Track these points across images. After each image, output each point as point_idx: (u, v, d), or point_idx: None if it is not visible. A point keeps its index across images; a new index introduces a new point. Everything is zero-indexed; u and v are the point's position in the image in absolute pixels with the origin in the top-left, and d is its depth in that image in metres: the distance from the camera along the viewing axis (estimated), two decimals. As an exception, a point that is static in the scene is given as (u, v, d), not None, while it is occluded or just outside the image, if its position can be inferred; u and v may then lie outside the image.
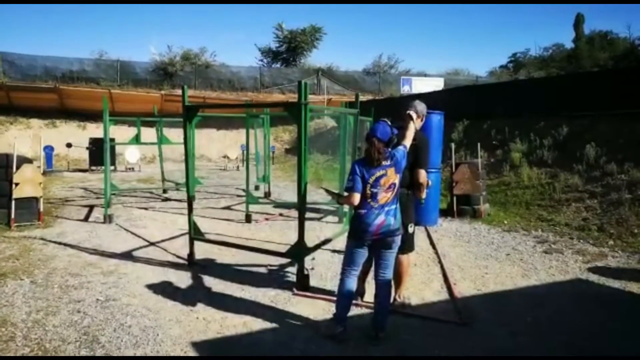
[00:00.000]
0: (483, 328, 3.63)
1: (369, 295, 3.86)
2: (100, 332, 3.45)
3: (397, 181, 3.34)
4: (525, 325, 3.69)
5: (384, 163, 3.28)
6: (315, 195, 9.91)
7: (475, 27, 63.94)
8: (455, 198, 7.85)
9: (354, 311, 3.93)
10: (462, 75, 30.21)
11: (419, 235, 6.71)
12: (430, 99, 14.65)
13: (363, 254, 3.45)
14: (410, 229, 3.96)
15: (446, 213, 7.96)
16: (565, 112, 10.05)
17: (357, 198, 3.29)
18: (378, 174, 3.27)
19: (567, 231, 6.71)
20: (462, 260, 5.50)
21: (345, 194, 3.40)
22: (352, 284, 3.52)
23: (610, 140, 8.60)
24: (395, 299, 3.95)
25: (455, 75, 29.60)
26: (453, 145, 8.51)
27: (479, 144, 8.60)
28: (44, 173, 11.30)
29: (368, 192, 3.28)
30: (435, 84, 25.10)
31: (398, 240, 3.41)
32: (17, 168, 6.72)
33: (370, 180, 3.27)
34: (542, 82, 12.65)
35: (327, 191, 3.88)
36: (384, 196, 3.30)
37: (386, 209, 3.31)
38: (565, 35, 63.18)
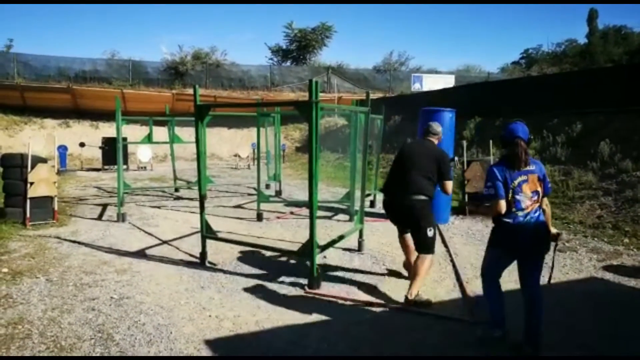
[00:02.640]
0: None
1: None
2: (114, 330, 3.49)
3: (540, 189, 3.15)
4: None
5: (527, 168, 3.13)
6: (326, 194, 9.92)
7: (486, 23, 63.33)
8: (467, 196, 7.80)
9: (366, 310, 3.94)
10: (474, 72, 29.98)
11: (431, 233, 6.69)
12: (441, 97, 14.63)
13: (507, 262, 3.32)
14: (430, 232, 4.18)
15: (458, 211, 7.91)
16: (579, 109, 9.92)
17: (503, 205, 3.10)
18: (520, 179, 3.11)
19: (581, 229, 6.64)
20: (475, 258, 5.46)
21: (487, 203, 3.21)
22: (498, 289, 3.39)
23: (625, 136, 8.47)
24: (407, 297, 4.00)
25: (466, 72, 29.38)
26: (465, 143, 8.46)
27: (491, 142, 8.53)
28: (58, 172, 11.44)
29: (511, 199, 3.09)
30: (446, 81, 24.91)
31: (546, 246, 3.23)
32: (32, 168, 6.81)
33: (513, 186, 3.10)
34: (555, 79, 12.51)
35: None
36: (528, 205, 3.11)
37: (531, 215, 3.13)
38: (579, 30, 62.48)
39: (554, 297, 4.28)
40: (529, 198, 3.12)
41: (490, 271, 3.36)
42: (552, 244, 3.29)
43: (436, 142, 4.55)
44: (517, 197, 3.10)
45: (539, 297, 3.21)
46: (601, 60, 22.26)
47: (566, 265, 5.19)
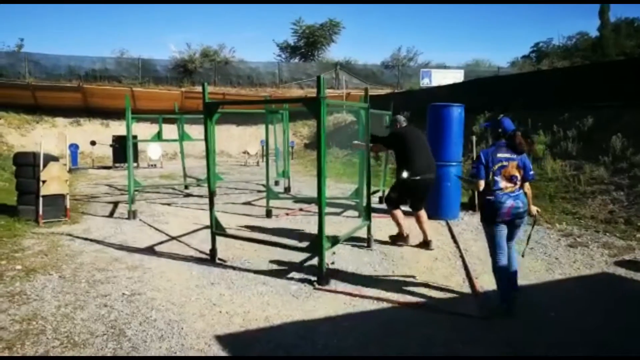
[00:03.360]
0: (506, 323, 3.59)
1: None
2: (126, 326, 3.54)
3: (519, 175, 3.77)
4: (548, 321, 3.64)
5: (508, 155, 3.76)
6: (335, 190, 9.93)
7: (496, 17, 62.76)
8: (476, 191, 7.75)
9: (374, 306, 3.95)
10: (483, 67, 29.74)
11: (440, 229, 6.68)
12: (450, 92, 14.54)
13: (504, 231, 3.80)
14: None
15: (467, 207, 7.87)
16: (590, 103, 9.80)
17: (481, 184, 3.78)
18: (499, 164, 3.73)
19: (592, 224, 6.58)
20: (484, 254, 5.40)
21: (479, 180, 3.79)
22: (506, 264, 3.81)
23: (638, 130, 8.35)
24: (430, 241, 5.56)
25: (475, 67, 29.15)
26: (474, 138, 8.40)
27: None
28: (70, 170, 11.57)
29: (491, 180, 3.73)
30: (455, 76, 24.76)
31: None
32: (44, 166, 6.89)
33: (493, 170, 3.72)
34: (566, 72, 12.36)
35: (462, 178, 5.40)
36: (506, 186, 3.73)
37: (509, 195, 3.69)
38: (590, 23, 61.62)
39: (566, 292, 4.27)
40: (507, 180, 3.72)
41: (498, 244, 3.78)
42: (531, 220, 4.00)
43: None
44: (496, 178, 3.72)
45: (514, 258, 3.90)
46: (613, 54, 21.97)
47: (577, 260, 5.15)
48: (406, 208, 5.79)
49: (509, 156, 3.75)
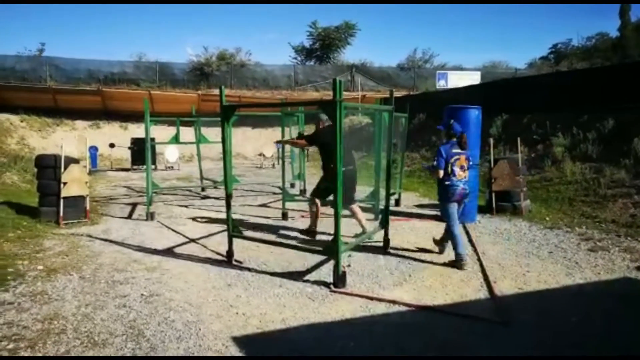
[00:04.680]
0: (525, 328, 3.55)
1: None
2: (145, 326, 3.58)
3: (466, 165, 5.07)
4: (570, 326, 3.58)
5: (459, 150, 5.04)
6: (351, 193, 9.90)
7: (513, 18, 62.07)
8: (494, 194, 7.68)
9: (391, 309, 3.94)
10: (500, 68, 29.40)
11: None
12: (467, 94, 14.42)
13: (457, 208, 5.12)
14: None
15: (485, 210, 7.79)
16: (611, 105, 9.63)
17: (440, 173, 4.98)
18: (454, 157, 4.97)
19: (613, 228, 6.46)
20: (502, 258, 5.38)
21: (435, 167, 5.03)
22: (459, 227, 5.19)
23: (660, 133, 8.20)
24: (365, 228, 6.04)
25: (492, 68, 28.84)
26: (492, 141, 8.32)
27: (519, 139, 8.36)
28: (90, 172, 11.77)
29: (450, 169, 4.95)
30: (472, 78, 24.54)
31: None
32: (65, 168, 7.02)
33: (451, 161, 4.96)
34: (586, 74, 12.16)
35: (427, 168, 5.72)
36: (459, 173, 5.00)
37: (460, 180, 4.99)
38: (610, 23, 60.57)
39: (587, 297, 4.19)
40: (460, 169, 5.00)
41: (453, 216, 5.06)
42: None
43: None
44: (453, 168, 4.96)
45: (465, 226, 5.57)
46: (635, 54, 21.52)
47: (598, 265, 5.06)
48: (427, 211, 5.75)
49: (460, 151, 5.02)
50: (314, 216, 6.31)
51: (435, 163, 4.99)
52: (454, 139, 5.09)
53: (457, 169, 4.94)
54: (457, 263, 4.97)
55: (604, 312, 3.85)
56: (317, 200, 6.17)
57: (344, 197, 5.58)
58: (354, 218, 6.19)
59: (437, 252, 5.56)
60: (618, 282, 4.61)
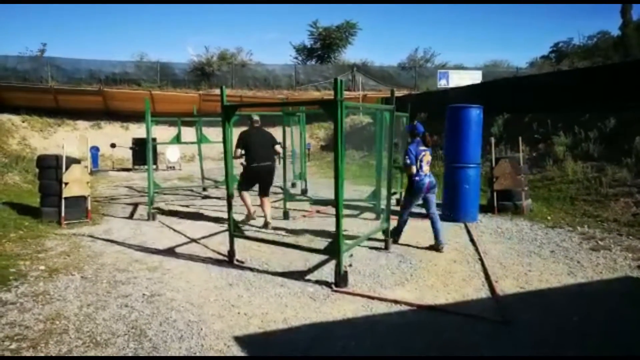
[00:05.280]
0: (527, 327, 3.54)
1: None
2: (147, 326, 3.58)
3: (430, 160, 5.72)
4: (572, 325, 3.57)
5: (425, 148, 5.61)
6: (352, 192, 9.90)
7: (514, 17, 61.98)
8: (495, 194, 7.67)
9: (392, 308, 3.94)
10: (501, 67, 29.38)
11: (458, 232, 6.62)
12: (468, 93, 14.41)
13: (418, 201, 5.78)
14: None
15: (486, 209, 7.78)
16: (613, 104, 9.61)
17: (413, 169, 5.50)
18: (422, 154, 5.55)
19: (615, 227, 6.45)
20: (504, 257, 5.38)
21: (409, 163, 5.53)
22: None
23: (662, 131, 8.18)
24: (269, 223, 6.86)
25: (494, 68, 28.83)
26: (493, 140, 8.31)
27: (520, 138, 8.35)
28: (91, 173, 11.78)
29: (418, 165, 5.51)
30: (473, 77, 24.54)
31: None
32: (66, 168, 7.03)
33: (419, 158, 5.52)
34: (587, 73, 12.15)
35: (398, 167, 6.13)
36: (426, 169, 5.58)
37: (427, 175, 5.57)
38: (612, 22, 60.49)
39: (589, 296, 4.19)
40: (426, 164, 5.58)
41: (411, 207, 5.84)
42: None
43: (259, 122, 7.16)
44: (422, 164, 5.53)
45: (435, 215, 5.67)
46: (636, 53, 21.46)
47: (600, 264, 5.05)
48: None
49: (425, 149, 5.60)
50: (246, 203, 7.16)
51: (407, 161, 5.48)
52: (418, 138, 5.65)
53: (424, 165, 5.55)
54: (394, 239, 5.82)
55: (606, 311, 3.85)
56: (244, 192, 7.10)
57: (260, 188, 7.04)
58: (261, 207, 7.05)
59: (436, 249, 5.62)
60: (620, 281, 4.60)
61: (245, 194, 7.10)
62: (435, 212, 5.72)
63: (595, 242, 5.87)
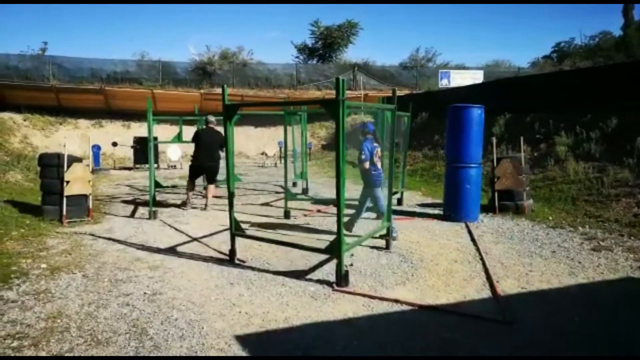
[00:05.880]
0: (528, 327, 3.54)
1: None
2: (148, 325, 3.59)
3: (381, 156, 6.14)
4: (573, 325, 3.57)
5: (376, 145, 6.04)
6: (353, 192, 9.90)
7: (516, 17, 61.89)
8: (496, 194, 7.66)
9: (393, 308, 3.94)
10: (503, 67, 29.38)
11: (459, 231, 6.62)
12: (470, 93, 14.39)
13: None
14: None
15: (487, 209, 7.78)
16: (615, 104, 9.59)
17: (368, 164, 5.86)
18: (376, 150, 5.94)
19: (616, 228, 6.44)
20: (505, 257, 5.38)
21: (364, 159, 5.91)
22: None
23: (664, 132, 8.16)
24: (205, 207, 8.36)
25: (495, 67, 28.84)
26: (494, 140, 8.30)
27: (521, 138, 8.35)
28: (92, 171, 11.79)
29: (373, 160, 5.90)
30: (474, 77, 24.53)
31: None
32: (68, 167, 7.03)
33: (373, 154, 5.89)
34: (589, 73, 12.14)
35: (354, 164, 6.11)
36: (378, 164, 6.01)
37: (379, 169, 6.01)
38: (614, 22, 60.31)
39: (590, 296, 4.19)
40: (378, 159, 5.98)
41: (365, 201, 6.21)
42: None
43: (215, 125, 8.43)
44: (375, 159, 5.91)
45: (383, 209, 5.92)
46: (638, 53, 21.44)
47: (601, 264, 5.04)
48: (429, 210, 5.76)
49: (376, 145, 6.00)
50: (188, 192, 8.62)
51: (363, 157, 5.86)
52: (370, 136, 6.03)
53: (377, 160, 5.96)
54: (347, 228, 5.97)
55: (607, 312, 3.84)
56: (189, 181, 8.57)
57: (206, 178, 8.60)
58: (205, 192, 8.66)
59: (389, 240, 5.77)
60: (621, 281, 4.60)
61: (190, 183, 8.57)
62: (384, 207, 5.91)
63: (596, 242, 5.86)
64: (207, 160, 8.29)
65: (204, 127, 8.56)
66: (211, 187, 8.51)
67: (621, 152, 8.42)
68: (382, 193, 6.06)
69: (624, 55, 22.00)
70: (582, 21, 59.05)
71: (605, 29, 29.52)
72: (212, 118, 8.48)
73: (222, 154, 7.57)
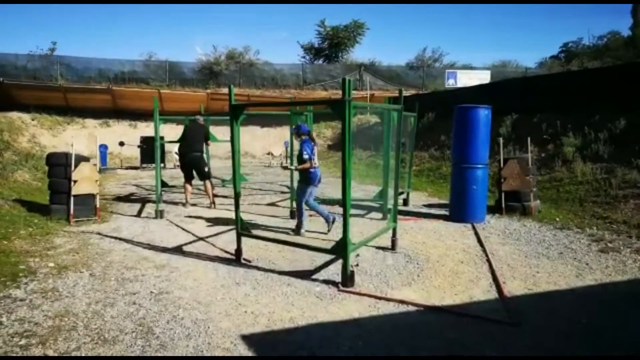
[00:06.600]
0: (535, 329, 3.52)
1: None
2: (154, 324, 3.60)
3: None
4: (580, 327, 3.55)
5: (315, 144, 6.31)
6: (359, 192, 9.90)
7: (523, 17, 61.56)
8: (503, 194, 7.63)
9: (399, 309, 3.93)
10: (510, 67, 29.19)
11: (466, 232, 6.59)
12: (477, 93, 14.33)
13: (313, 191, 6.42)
14: (206, 169, 8.66)
15: (494, 210, 7.75)
16: (623, 105, 9.52)
17: (311, 163, 6.11)
18: (315, 149, 6.23)
19: (624, 229, 6.39)
20: (512, 258, 5.35)
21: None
22: (316, 204, 6.54)
23: (673, 133, 8.09)
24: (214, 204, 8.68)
25: (502, 68, 28.65)
26: (501, 140, 8.26)
27: (528, 139, 8.30)
28: (100, 171, 11.86)
29: (313, 159, 6.16)
30: (481, 77, 24.43)
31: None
32: (76, 166, 7.08)
33: (313, 153, 6.16)
34: (597, 73, 12.04)
35: (297, 168, 6.32)
36: (317, 162, 6.28)
37: (317, 168, 6.27)
38: (622, 22, 59.86)
39: (598, 298, 4.16)
40: (317, 158, 6.25)
41: (310, 197, 6.33)
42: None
43: (201, 121, 8.96)
44: (314, 159, 6.17)
45: (312, 206, 6.39)
46: (647, 53, 21.23)
47: (609, 266, 5.01)
48: (435, 211, 5.74)
49: (314, 145, 6.25)
50: (186, 192, 8.67)
51: (306, 156, 6.09)
52: (306, 137, 6.27)
53: (315, 160, 6.24)
54: (297, 231, 6.43)
55: (614, 314, 3.82)
56: (186, 184, 8.61)
57: (198, 175, 8.56)
58: (206, 192, 8.81)
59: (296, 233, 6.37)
60: (629, 283, 4.56)
61: (188, 185, 8.61)
62: (313, 202, 6.39)
63: (604, 244, 5.82)
64: (189, 151, 8.42)
65: (189, 122, 9.04)
66: (207, 184, 8.61)
67: (629, 153, 8.36)
68: (314, 190, 6.38)
69: (632, 56, 21.81)
70: (590, 21, 58.63)
71: (614, 29, 29.27)
72: (199, 117, 9.08)
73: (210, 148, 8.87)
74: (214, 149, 15.60)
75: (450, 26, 63.43)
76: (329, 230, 6.45)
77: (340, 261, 4.58)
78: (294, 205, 7.77)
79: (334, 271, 4.81)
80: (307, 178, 6.25)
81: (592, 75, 11.65)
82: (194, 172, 8.60)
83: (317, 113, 11.88)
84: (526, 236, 6.34)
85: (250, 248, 5.55)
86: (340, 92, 4.24)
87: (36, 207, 7.60)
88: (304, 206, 6.41)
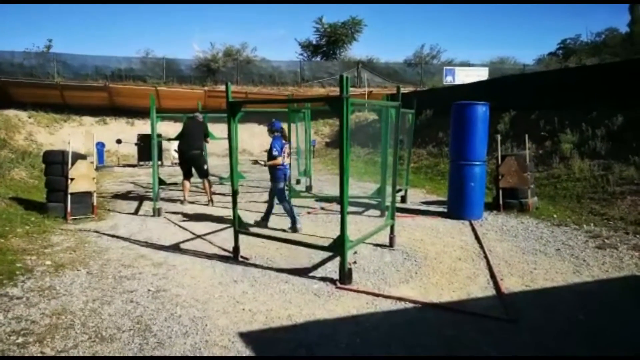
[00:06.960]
0: (532, 325, 3.53)
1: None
2: (152, 322, 3.60)
3: (289, 152, 6.55)
4: (577, 324, 3.56)
5: (285, 142, 6.46)
6: (357, 189, 9.89)
7: (521, 14, 61.52)
8: (501, 191, 7.63)
9: (397, 306, 3.93)
10: (508, 64, 29.19)
11: (463, 229, 6.60)
12: (475, 90, 14.33)
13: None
14: (205, 167, 8.65)
15: (491, 207, 7.75)
16: (620, 101, 9.53)
17: (280, 160, 6.24)
18: (284, 147, 6.34)
19: (621, 226, 6.40)
20: (509, 255, 5.36)
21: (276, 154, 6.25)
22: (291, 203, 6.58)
23: (670, 129, 8.11)
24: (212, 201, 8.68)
25: (500, 64, 28.64)
26: (499, 137, 8.26)
27: (526, 135, 8.30)
28: (97, 168, 11.81)
29: (282, 157, 6.27)
30: (479, 74, 24.38)
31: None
32: (72, 164, 7.05)
33: (282, 151, 6.28)
34: (595, 70, 12.05)
35: (266, 163, 6.40)
36: (287, 160, 6.39)
37: (286, 165, 6.41)
38: (620, 18, 59.88)
39: (594, 295, 4.17)
40: (287, 156, 6.38)
41: (285, 194, 6.45)
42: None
43: (200, 118, 8.86)
44: (283, 155, 6.27)
45: (272, 199, 6.60)
46: (644, 50, 21.24)
47: (606, 262, 5.02)
48: (433, 208, 5.73)
49: (284, 142, 6.38)
50: (184, 189, 8.79)
51: (275, 153, 6.18)
52: (278, 134, 6.38)
53: (285, 157, 6.33)
54: (293, 227, 6.43)
55: (612, 310, 3.82)
56: (185, 181, 8.71)
57: (197, 173, 8.60)
58: (204, 189, 8.86)
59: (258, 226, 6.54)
60: (626, 280, 4.57)
61: (186, 182, 8.71)
62: (273, 198, 6.60)
63: (601, 240, 5.84)
64: (188, 149, 8.44)
65: (188, 119, 9.04)
66: (206, 181, 8.64)
67: (627, 150, 8.37)
68: (283, 186, 6.45)
69: (630, 52, 21.83)
70: (588, 18, 58.57)
71: (612, 26, 29.27)
72: (199, 114, 9.05)
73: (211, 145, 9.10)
74: (212, 146, 15.55)
75: (448, 23, 63.33)
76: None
77: (338, 258, 4.59)
78: (292, 202, 7.77)
79: (331, 268, 4.81)
80: (275, 175, 6.34)
81: (590, 72, 11.66)
82: (193, 170, 8.57)
83: (315, 110, 11.88)
84: (524, 233, 6.34)
85: (248, 246, 5.54)
86: (338, 89, 4.23)
87: (33, 205, 7.57)
88: (275, 200, 6.57)
